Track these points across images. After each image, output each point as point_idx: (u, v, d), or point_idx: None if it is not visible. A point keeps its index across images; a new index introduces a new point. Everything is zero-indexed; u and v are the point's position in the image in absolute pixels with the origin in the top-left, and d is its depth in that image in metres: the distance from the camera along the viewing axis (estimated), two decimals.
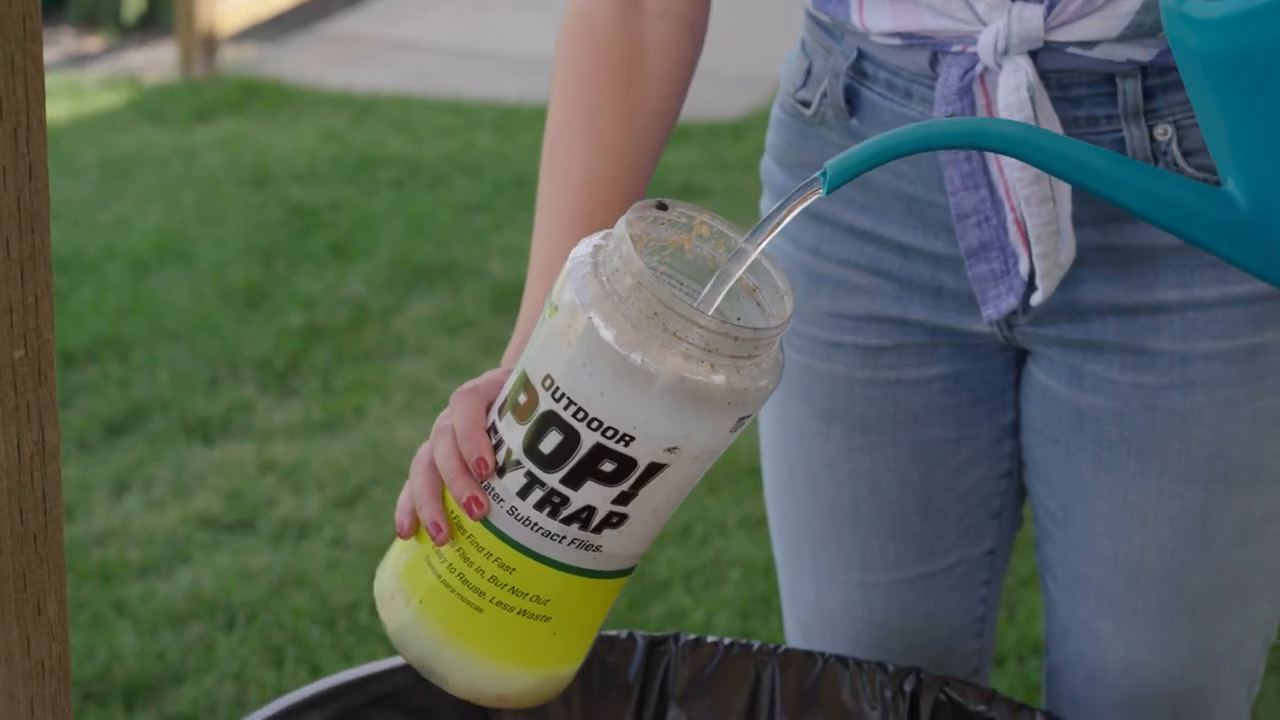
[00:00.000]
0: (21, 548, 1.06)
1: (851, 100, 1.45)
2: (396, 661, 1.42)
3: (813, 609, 1.63)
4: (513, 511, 1.15)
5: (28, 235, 1.02)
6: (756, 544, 3.19)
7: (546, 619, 1.18)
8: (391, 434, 3.60)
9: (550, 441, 1.12)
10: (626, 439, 1.11)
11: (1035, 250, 1.38)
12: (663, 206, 1.16)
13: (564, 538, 1.15)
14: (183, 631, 2.93)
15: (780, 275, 1.16)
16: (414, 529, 1.20)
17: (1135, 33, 1.33)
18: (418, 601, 1.20)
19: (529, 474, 1.14)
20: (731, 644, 1.48)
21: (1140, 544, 1.49)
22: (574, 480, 1.13)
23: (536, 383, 1.13)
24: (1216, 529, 1.47)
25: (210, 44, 6.10)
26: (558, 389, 1.11)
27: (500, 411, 1.16)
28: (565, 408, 1.11)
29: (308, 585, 3.06)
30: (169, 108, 5.75)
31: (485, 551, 1.17)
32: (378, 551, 3.14)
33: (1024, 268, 1.40)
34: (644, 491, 1.14)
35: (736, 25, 6.31)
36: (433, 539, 1.18)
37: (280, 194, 4.93)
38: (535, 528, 1.15)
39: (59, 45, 6.52)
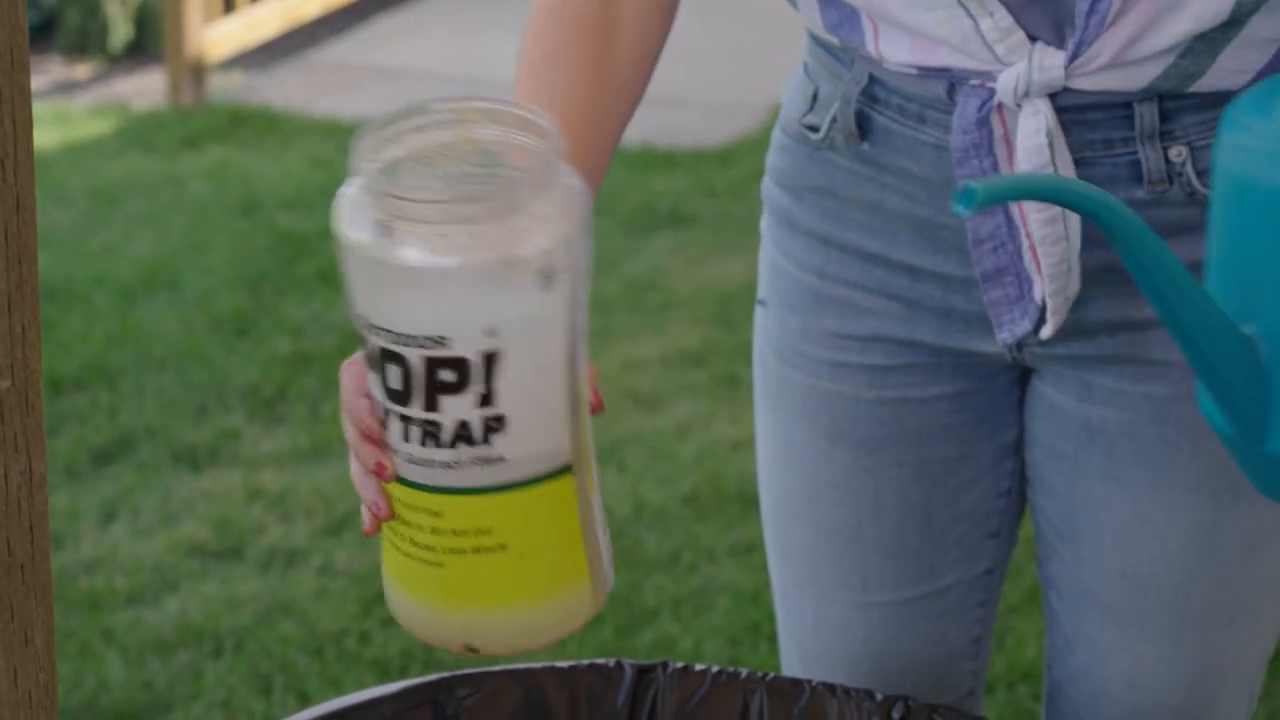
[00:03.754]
0: (9, 578, 1.06)
1: (862, 125, 1.46)
2: (385, 690, 1.42)
3: (811, 629, 1.63)
4: (409, 458, 1.14)
5: (15, 265, 1.03)
6: (745, 571, 3.19)
7: (503, 548, 1.16)
8: None
9: (393, 375, 1.12)
10: (441, 340, 1.09)
11: (1049, 288, 1.39)
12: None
13: (460, 462, 1.13)
14: (170, 660, 2.92)
15: (536, 114, 1.14)
16: (374, 523, 1.20)
17: (1151, 93, 1.35)
18: (398, 582, 1.20)
19: (400, 416, 1.13)
20: (719, 672, 1.48)
21: (1149, 556, 1.49)
22: (430, 403, 1.11)
23: (360, 327, 1.13)
24: (1225, 540, 1.48)
25: (198, 72, 6.10)
26: (367, 321, 1.12)
27: (367, 372, 1.16)
28: (381, 336, 1.11)
29: (296, 613, 3.05)
30: (157, 135, 5.75)
31: (412, 507, 1.16)
32: (365, 579, 3.14)
33: (1039, 293, 1.41)
34: (502, 385, 1.11)
35: (722, 54, 6.32)
36: (378, 517, 1.18)
37: (268, 221, 4.92)
38: (432, 464, 1.14)
39: (47, 73, 6.52)
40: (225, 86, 6.36)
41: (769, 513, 1.64)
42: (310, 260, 4.64)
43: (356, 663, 2.91)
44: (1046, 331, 1.41)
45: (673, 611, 3.07)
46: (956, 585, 1.60)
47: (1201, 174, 1.38)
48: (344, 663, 2.91)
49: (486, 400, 1.11)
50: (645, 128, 5.83)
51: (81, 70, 6.62)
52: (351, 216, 1.12)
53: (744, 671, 1.48)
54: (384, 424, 1.15)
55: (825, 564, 1.60)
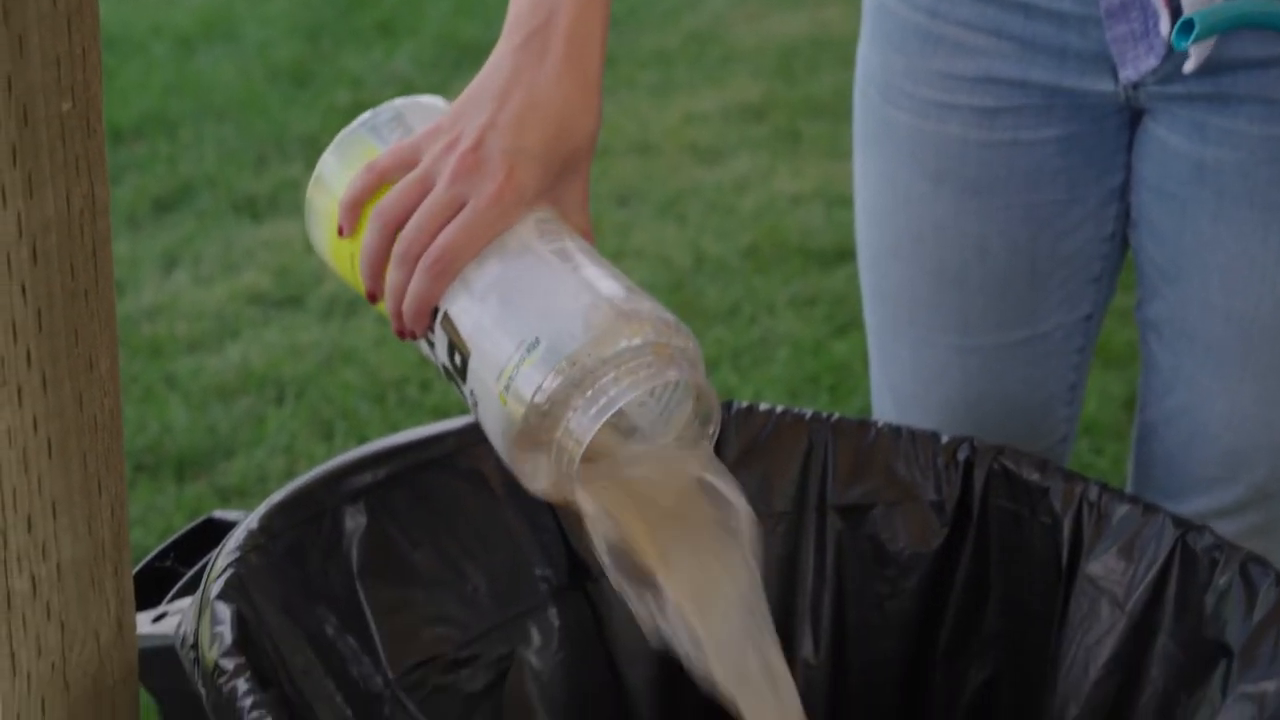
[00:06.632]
0: (73, 303, 1.05)
1: None
2: (451, 424, 1.41)
3: (908, 371, 1.62)
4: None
5: None
6: (805, 323, 3.18)
7: None
8: None
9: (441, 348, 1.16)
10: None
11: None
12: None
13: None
14: (233, 405, 2.94)
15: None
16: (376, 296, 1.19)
17: None
18: None
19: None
20: (784, 412, 1.47)
21: (1256, 298, 1.48)
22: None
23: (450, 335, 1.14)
24: None
25: None
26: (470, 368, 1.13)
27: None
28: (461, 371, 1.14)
29: (356, 361, 3.07)
30: None
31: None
32: None
33: (1164, 27, 1.38)
34: None
35: None
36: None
37: None
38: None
39: None
40: None
41: (867, 254, 1.62)
42: (369, 10, 4.59)
43: (418, 409, 2.92)
44: (1190, 66, 1.38)
45: (732, 362, 3.08)
46: (1057, 330, 1.59)
47: None
48: (405, 409, 2.92)
49: None
50: None
51: None
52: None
53: (809, 412, 1.47)
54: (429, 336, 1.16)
55: (924, 306, 1.59)
